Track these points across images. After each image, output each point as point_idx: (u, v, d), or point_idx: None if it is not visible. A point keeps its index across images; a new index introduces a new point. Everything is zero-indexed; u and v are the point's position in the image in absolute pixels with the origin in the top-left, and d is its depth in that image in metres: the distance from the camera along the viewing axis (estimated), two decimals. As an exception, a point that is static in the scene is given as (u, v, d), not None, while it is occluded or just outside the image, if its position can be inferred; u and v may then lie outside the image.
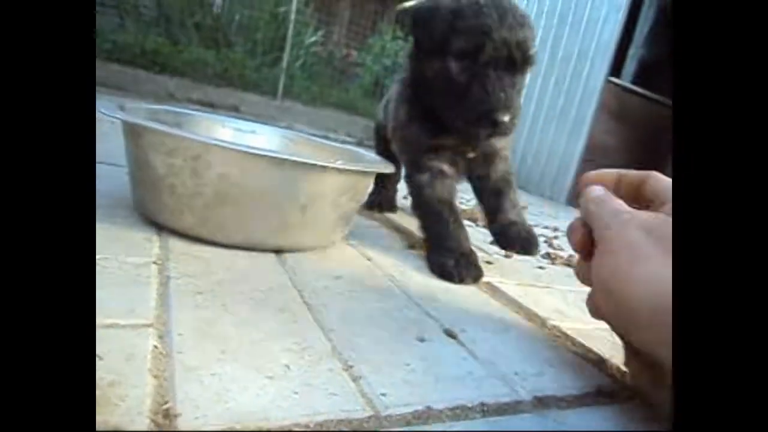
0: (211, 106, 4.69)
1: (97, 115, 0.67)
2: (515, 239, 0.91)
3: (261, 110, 4.78)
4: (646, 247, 0.44)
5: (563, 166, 3.58)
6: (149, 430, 0.33)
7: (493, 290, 0.80)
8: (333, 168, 0.68)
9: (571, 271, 1.09)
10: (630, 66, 4.35)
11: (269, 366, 0.43)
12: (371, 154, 0.99)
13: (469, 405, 0.44)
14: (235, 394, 0.38)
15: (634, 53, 4.38)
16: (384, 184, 1.23)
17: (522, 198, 2.83)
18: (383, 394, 0.42)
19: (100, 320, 0.44)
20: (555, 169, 3.66)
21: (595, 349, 0.64)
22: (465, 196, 1.65)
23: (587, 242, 0.54)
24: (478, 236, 1.23)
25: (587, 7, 3.63)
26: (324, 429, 0.37)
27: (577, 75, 3.62)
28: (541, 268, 1.04)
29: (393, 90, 1.04)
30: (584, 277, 0.59)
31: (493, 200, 0.97)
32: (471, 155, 0.94)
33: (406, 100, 0.93)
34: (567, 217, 2.36)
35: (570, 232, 0.58)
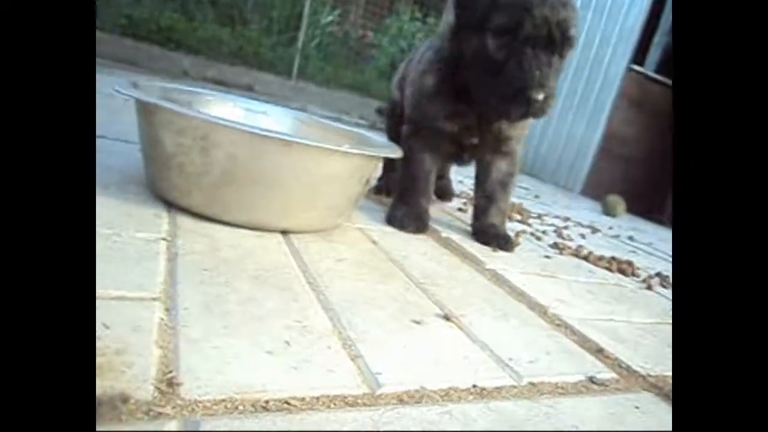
0: (225, 84, 4.69)
1: (111, 92, 0.68)
2: (492, 238, 0.99)
3: (275, 90, 4.77)
4: None
5: (580, 155, 3.53)
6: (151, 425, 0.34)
7: (497, 277, 0.81)
8: (340, 152, 0.69)
9: (578, 261, 1.09)
10: (654, 54, 4.24)
11: (270, 341, 0.44)
12: (380, 138, 1.00)
13: (463, 387, 0.45)
14: (235, 366, 0.40)
15: (659, 41, 4.27)
16: (394, 168, 1.24)
17: (536, 187, 2.80)
18: (379, 373, 0.43)
19: (109, 292, 0.45)
20: (571, 158, 3.60)
21: (594, 338, 0.65)
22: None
23: None
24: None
25: (610, -8, 3.54)
26: (320, 404, 0.38)
27: (598, 62, 3.54)
28: (547, 257, 1.04)
29: (418, 59, 1.03)
30: None
31: (483, 203, 1.03)
32: (474, 141, 0.96)
33: (436, 73, 0.94)
34: (580, 207, 2.34)
35: None
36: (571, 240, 1.32)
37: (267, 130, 0.65)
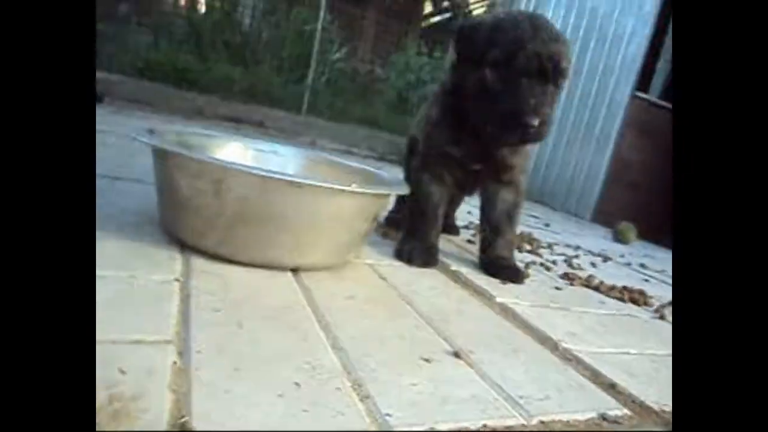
0: (237, 121, 4.82)
1: (130, 134, 0.71)
2: (501, 270, 1.00)
3: (286, 125, 4.88)
4: None
5: (588, 183, 3.53)
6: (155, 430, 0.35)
7: (506, 311, 0.81)
8: (347, 191, 0.71)
9: (588, 291, 1.09)
10: (658, 80, 4.29)
11: (280, 384, 0.45)
12: (388, 175, 1.02)
13: (473, 428, 0.45)
14: (246, 410, 0.40)
15: (662, 67, 4.32)
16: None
17: (546, 215, 2.80)
18: (388, 414, 0.44)
19: (125, 335, 0.47)
20: (580, 186, 3.61)
21: (606, 372, 0.64)
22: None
23: None
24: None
25: (613, 23, 3.61)
26: (329, 447, 0.39)
27: (602, 90, 3.59)
28: (557, 288, 1.04)
29: (430, 99, 1.10)
30: None
31: (490, 235, 1.05)
32: (476, 167, 0.99)
33: (441, 104, 1.00)
34: (591, 234, 2.33)
35: None
36: (581, 269, 1.31)
37: (276, 172, 0.68)
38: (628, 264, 1.63)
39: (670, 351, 0.80)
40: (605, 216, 3.20)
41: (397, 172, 1.31)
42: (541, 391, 0.55)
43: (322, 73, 5.85)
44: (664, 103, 3.54)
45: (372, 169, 1.03)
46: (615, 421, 0.52)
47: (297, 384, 0.46)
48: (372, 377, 0.50)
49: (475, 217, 1.69)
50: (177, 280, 0.63)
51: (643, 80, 3.58)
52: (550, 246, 1.59)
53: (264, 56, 5.46)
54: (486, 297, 0.86)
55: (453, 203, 1.35)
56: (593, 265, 1.44)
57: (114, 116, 2.73)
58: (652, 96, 3.71)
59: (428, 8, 9.07)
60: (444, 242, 1.21)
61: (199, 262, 0.70)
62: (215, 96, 4.81)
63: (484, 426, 0.46)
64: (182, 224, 0.73)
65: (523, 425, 0.47)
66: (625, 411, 0.55)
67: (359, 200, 0.75)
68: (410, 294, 0.79)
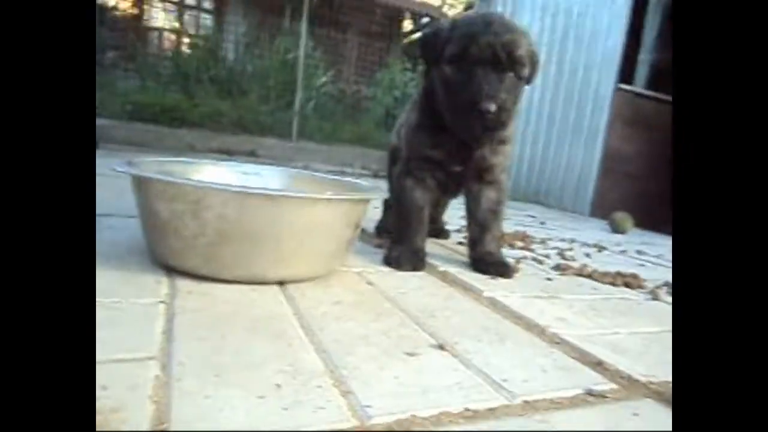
0: (229, 153, 4.88)
1: (115, 171, 0.73)
2: (490, 266, 1.02)
3: (278, 153, 4.94)
4: None
5: (583, 178, 3.55)
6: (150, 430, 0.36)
7: (495, 304, 0.81)
8: (322, 199, 0.72)
9: (581, 280, 1.09)
10: (642, 72, 4.34)
11: (261, 387, 0.46)
12: (369, 184, 1.03)
13: (454, 411, 0.45)
14: (226, 413, 0.41)
15: (645, 58, 4.38)
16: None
17: (543, 214, 2.80)
18: (368, 406, 0.44)
19: (108, 355, 0.48)
20: (575, 181, 3.63)
21: (594, 352, 0.64)
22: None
23: None
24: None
25: (588, 19, 3.68)
26: (310, 441, 0.39)
27: (586, 85, 3.63)
28: (549, 279, 1.04)
29: (410, 105, 1.15)
30: None
31: (477, 232, 1.07)
32: (457, 168, 1.02)
33: (418, 109, 1.05)
34: (587, 228, 2.33)
35: None
36: (574, 260, 1.31)
37: (251, 188, 0.69)
38: (624, 252, 1.63)
39: (662, 328, 0.80)
40: (603, 209, 3.21)
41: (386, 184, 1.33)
42: (525, 374, 0.55)
43: (309, 98, 5.94)
44: (649, 93, 3.58)
45: (351, 180, 1.04)
46: (601, 395, 0.53)
47: (278, 385, 0.46)
48: (354, 374, 0.50)
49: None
50: (162, 302, 0.64)
51: (627, 72, 3.63)
52: (543, 241, 1.59)
53: (250, 87, 5.55)
54: (474, 293, 0.87)
55: (439, 206, 1.37)
56: (587, 255, 1.44)
57: (106, 159, 2.77)
58: (637, 87, 3.76)
59: (408, 26, 9.24)
60: (433, 245, 1.22)
61: (184, 284, 0.71)
62: (205, 130, 4.88)
63: (466, 410, 0.46)
64: (165, 248, 0.74)
65: (506, 406, 0.48)
66: (612, 386, 0.56)
67: (336, 208, 0.76)
68: (397, 296, 0.79)
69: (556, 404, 0.49)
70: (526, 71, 0.89)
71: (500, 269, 1.01)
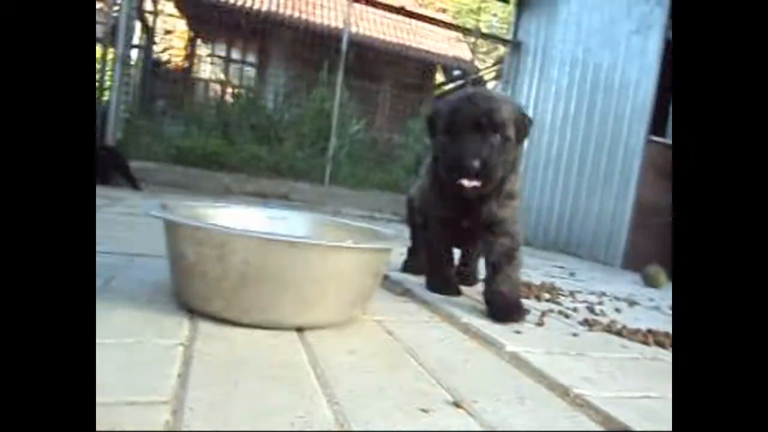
0: (264, 196, 5.03)
1: (147, 214, 0.77)
2: (500, 306, 1.03)
3: (309, 197, 5.06)
4: None
5: (615, 229, 3.47)
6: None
7: (517, 360, 0.79)
8: (343, 248, 0.73)
9: (610, 337, 1.05)
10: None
11: (269, 437, 0.45)
12: (392, 231, 1.05)
13: (465, 475, 0.44)
14: (231, 463, 0.41)
15: (678, 110, 4.35)
16: (417, 250, 1.39)
17: (572, 264, 2.73)
18: (376, 465, 0.43)
19: (122, 397, 0.49)
20: (607, 232, 3.54)
21: (620, 417, 0.61)
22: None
23: None
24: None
25: (618, 73, 3.71)
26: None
27: (616, 136, 3.61)
28: (575, 335, 1.01)
29: (422, 170, 1.34)
30: None
31: (490, 273, 1.10)
32: (467, 224, 1.12)
33: (429, 174, 1.20)
34: (619, 281, 2.25)
35: None
36: (603, 315, 1.26)
37: (275, 234, 0.71)
38: (657, 308, 1.56)
39: (697, 393, 0.75)
40: (635, 262, 3.10)
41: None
42: (544, 438, 0.53)
43: (342, 145, 6.12)
44: (682, 144, 3.53)
45: (376, 228, 1.06)
46: (626, 466, 0.49)
47: (286, 437, 0.46)
48: (365, 429, 0.49)
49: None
50: (182, 344, 0.65)
51: (659, 125, 3.61)
52: (572, 294, 1.55)
53: (287, 134, 5.79)
54: (496, 347, 0.85)
55: (467, 256, 1.41)
56: (617, 310, 1.38)
57: (148, 200, 2.90)
58: (669, 139, 3.71)
59: (440, 78, 9.53)
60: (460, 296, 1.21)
61: (205, 327, 0.73)
62: (243, 174, 5.07)
63: (478, 474, 0.44)
64: (190, 291, 0.76)
65: (521, 472, 0.46)
66: (639, 456, 0.52)
67: (358, 256, 0.77)
68: (415, 347, 0.78)
69: (576, 474, 0.47)
70: (510, 132, 1.00)
71: (513, 309, 1.02)
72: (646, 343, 1.03)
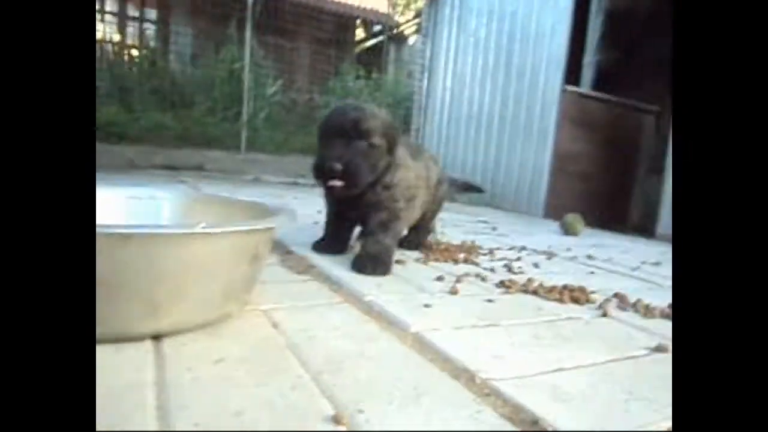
0: (174, 168, 4.62)
1: None
2: (362, 262, 1.08)
3: (227, 165, 4.72)
4: None
5: (535, 180, 3.54)
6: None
7: (420, 343, 0.69)
8: (199, 234, 0.58)
9: (526, 298, 0.99)
10: (588, 74, 4.40)
11: None
12: (283, 208, 0.90)
13: None
14: None
15: (590, 61, 4.45)
16: (419, 226, 1.42)
17: (496, 218, 2.75)
18: None
19: None
20: (527, 183, 3.61)
21: (530, 405, 0.53)
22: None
23: None
24: (430, 273, 1.13)
25: (533, 22, 3.68)
26: None
27: (533, 87, 3.63)
28: (490, 301, 0.94)
29: None
30: None
31: (362, 240, 1.20)
32: (353, 215, 1.22)
33: None
34: (540, 231, 2.27)
35: None
36: (522, 273, 1.22)
37: (106, 226, 0.54)
38: (574, 258, 1.56)
39: (610, 356, 0.71)
40: (556, 210, 3.19)
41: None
42: (439, 452, 0.43)
43: (260, 108, 5.74)
44: (595, 93, 3.62)
45: (266, 203, 0.90)
46: (532, 476, 0.41)
47: None
48: (201, 482, 0.37)
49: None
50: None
51: (572, 74, 3.66)
52: (491, 252, 1.50)
53: (195, 99, 5.31)
54: (399, 328, 0.75)
55: (422, 222, 1.44)
56: (536, 265, 1.35)
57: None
58: (583, 88, 3.79)
59: (360, 34, 9.18)
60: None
61: (17, 350, 0.56)
62: (147, 145, 4.61)
63: None
64: None
65: None
66: (548, 456, 0.44)
67: (221, 241, 0.62)
68: (303, 341, 0.66)
69: (472, 502, 0.38)
70: (376, 140, 1.09)
71: (365, 263, 1.06)
72: (561, 300, 0.98)
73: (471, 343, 0.70)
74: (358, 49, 8.87)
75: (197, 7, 6.75)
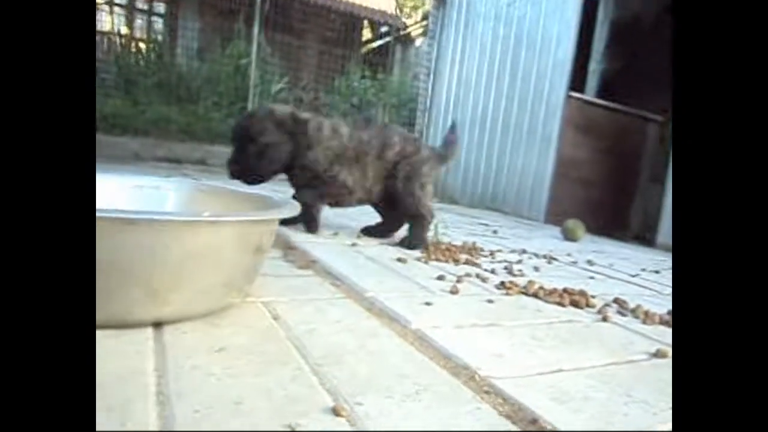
0: (177, 161, 4.62)
1: None
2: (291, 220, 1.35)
3: (229, 161, 4.72)
4: None
5: (537, 184, 3.53)
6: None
7: (421, 340, 0.69)
8: (204, 222, 0.58)
9: (526, 300, 0.99)
10: (592, 81, 4.40)
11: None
12: (285, 200, 0.90)
13: None
14: None
15: (595, 68, 4.45)
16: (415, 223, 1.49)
17: (497, 221, 2.74)
18: None
19: None
20: (529, 188, 3.60)
21: (529, 403, 0.53)
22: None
23: None
24: (431, 272, 1.13)
25: (539, 28, 3.69)
26: None
27: (538, 93, 3.63)
28: (490, 301, 0.94)
29: None
30: None
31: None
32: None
33: None
34: (540, 236, 2.27)
35: None
36: (522, 276, 1.22)
37: (105, 210, 0.55)
38: (575, 263, 1.56)
39: (609, 360, 0.71)
40: (557, 216, 3.18)
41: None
42: (438, 447, 0.43)
43: (264, 105, 5.74)
44: (599, 101, 3.62)
45: (267, 195, 0.91)
46: (531, 473, 0.41)
47: (69, 503, 0.32)
48: (200, 468, 0.37)
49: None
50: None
51: (577, 81, 3.66)
52: (492, 254, 1.50)
53: (201, 93, 5.30)
54: (401, 325, 0.75)
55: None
56: (536, 269, 1.35)
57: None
58: (587, 95, 3.79)
59: (367, 35, 9.18)
60: (376, 268, 1.10)
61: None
62: (151, 138, 4.61)
63: None
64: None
65: (401, 506, 0.35)
66: (546, 455, 0.44)
67: (225, 231, 0.63)
68: (304, 334, 0.66)
69: (470, 496, 0.37)
70: (267, 138, 1.34)
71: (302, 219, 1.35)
72: (561, 304, 0.98)
73: (471, 342, 0.70)
74: (364, 49, 8.88)
75: (205, 1, 6.76)
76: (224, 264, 0.65)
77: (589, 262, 1.60)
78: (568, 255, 1.72)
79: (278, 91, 6.12)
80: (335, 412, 0.47)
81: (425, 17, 7.51)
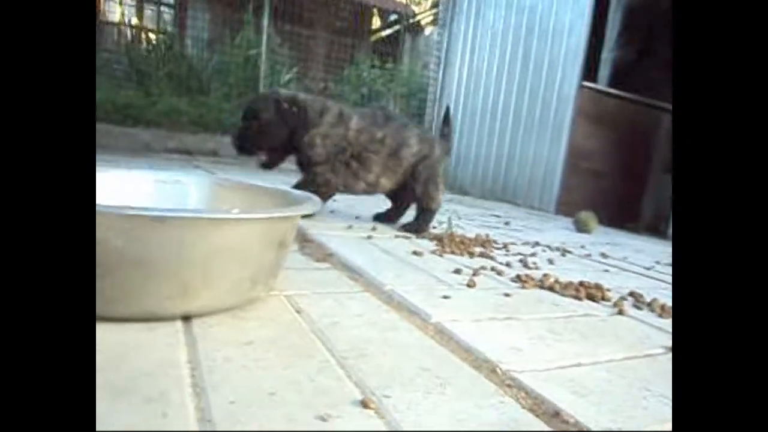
0: (188, 153, 4.65)
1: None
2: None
3: (240, 152, 4.74)
4: None
5: (549, 174, 3.51)
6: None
7: (441, 333, 0.71)
8: (230, 219, 0.60)
9: (542, 293, 1.00)
10: (605, 70, 4.35)
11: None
12: (307, 194, 0.91)
13: None
14: None
15: (607, 57, 4.39)
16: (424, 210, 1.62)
17: (509, 212, 2.74)
18: None
19: None
20: (541, 178, 3.59)
21: (551, 396, 0.54)
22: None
23: None
24: (447, 266, 1.14)
25: (552, 17, 3.64)
26: None
27: (551, 83, 3.59)
28: (507, 295, 0.95)
29: None
30: None
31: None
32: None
33: None
34: (553, 228, 2.27)
35: None
36: (537, 269, 1.23)
37: (136, 208, 0.56)
38: (588, 255, 1.56)
39: (627, 354, 0.72)
40: (568, 207, 3.18)
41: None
42: (464, 438, 0.45)
43: (274, 95, 5.73)
44: (612, 90, 3.57)
45: (288, 190, 0.92)
46: (555, 464, 0.43)
47: (121, 489, 0.34)
48: (240, 457, 0.39)
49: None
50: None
51: (590, 70, 3.61)
52: (505, 246, 1.51)
53: (211, 84, 5.31)
54: (421, 318, 0.76)
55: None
56: (551, 261, 1.36)
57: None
58: (600, 85, 3.74)
59: (376, 23, 9.11)
60: (390, 260, 1.12)
61: (56, 325, 0.58)
62: (162, 129, 4.64)
63: (379, 508, 0.35)
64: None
65: (433, 495, 0.37)
66: (570, 447, 0.46)
67: (251, 227, 0.64)
68: (327, 327, 0.68)
69: (498, 486, 0.39)
70: (266, 116, 1.46)
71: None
72: (577, 297, 0.99)
73: (490, 336, 0.72)
74: (373, 38, 8.82)
75: (215, -8, 6.74)
76: (251, 259, 0.66)
77: (603, 255, 1.60)
78: (582, 247, 1.72)
79: (288, 81, 6.11)
80: (364, 404, 0.48)
81: (435, 5, 7.43)
